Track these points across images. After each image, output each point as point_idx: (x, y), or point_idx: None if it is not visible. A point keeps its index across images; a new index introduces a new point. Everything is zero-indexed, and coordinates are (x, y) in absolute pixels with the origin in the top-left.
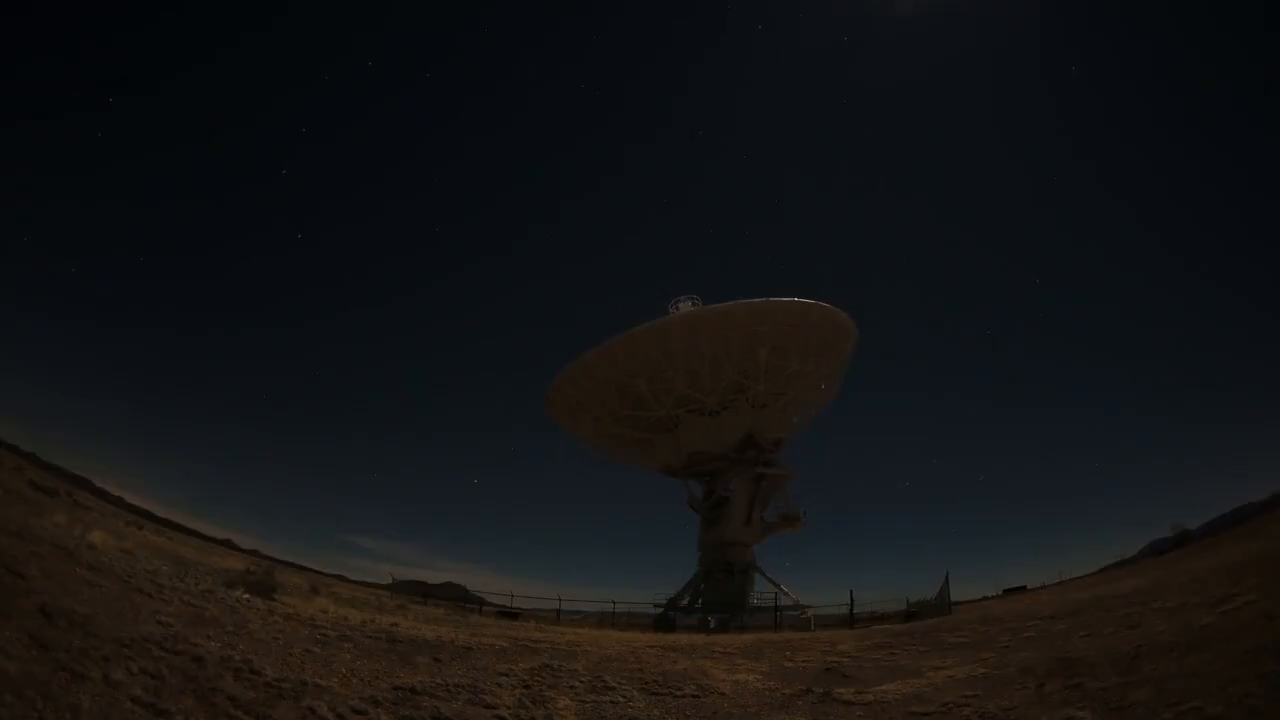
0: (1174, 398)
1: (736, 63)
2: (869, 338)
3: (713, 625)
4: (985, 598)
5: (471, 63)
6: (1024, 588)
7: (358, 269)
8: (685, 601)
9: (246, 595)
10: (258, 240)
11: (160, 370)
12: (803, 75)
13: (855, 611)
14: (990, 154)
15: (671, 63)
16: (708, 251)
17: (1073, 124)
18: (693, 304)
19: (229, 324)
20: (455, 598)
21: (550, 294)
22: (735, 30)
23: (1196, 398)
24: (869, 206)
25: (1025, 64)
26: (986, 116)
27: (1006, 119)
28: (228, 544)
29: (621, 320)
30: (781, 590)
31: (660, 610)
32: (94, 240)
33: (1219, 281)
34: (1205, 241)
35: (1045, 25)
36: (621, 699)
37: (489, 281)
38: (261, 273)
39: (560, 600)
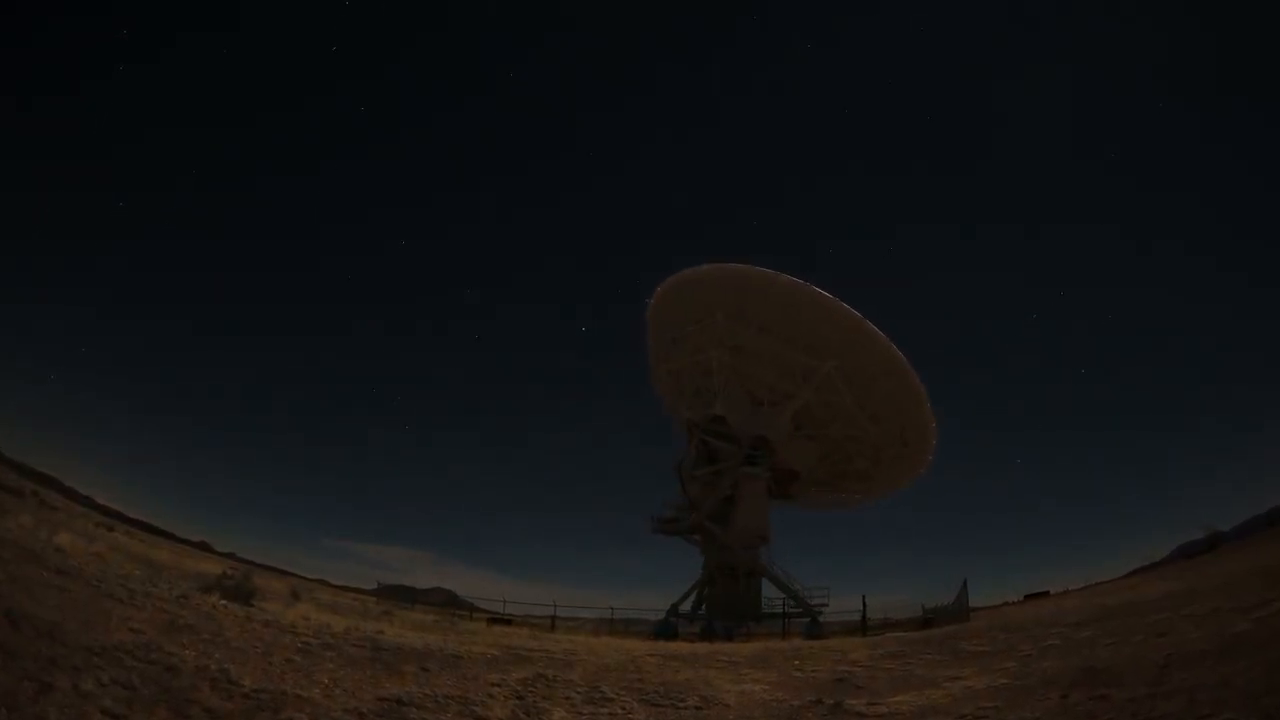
0: (1205, 394)
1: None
2: (885, 332)
3: (719, 632)
4: (1006, 604)
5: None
6: (1047, 593)
7: (341, 265)
8: (688, 607)
9: (223, 601)
10: (240, 237)
11: (135, 364)
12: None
13: (868, 618)
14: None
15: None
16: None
17: (1103, 117)
18: None
19: (210, 319)
20: (444, 603)
21: (544, 289)
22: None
23: (1228, 394)
24: (875, 201)
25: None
26: (998, 112)
27: (1021, 114)
28: (203, 547)
29: (617, 315)
30: (793, 595)
31: (662, 617)
32: (74, 230)
33: (1253, 277)
34: (1241, 236)
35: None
36: (620, 711)
37: (482, 276)
38: (245, 267)
39: (555, 606)
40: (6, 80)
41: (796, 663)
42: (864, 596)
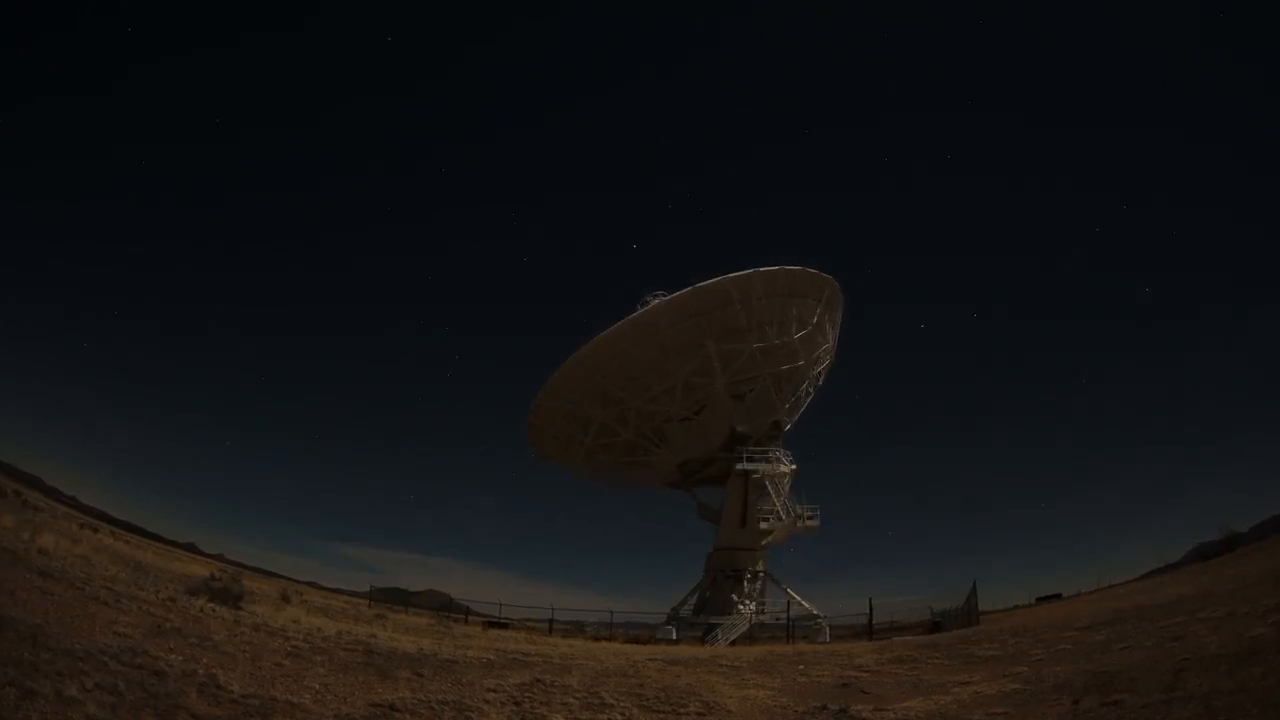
0: (1221, 393)
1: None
2: (893, 334)
3: (704, 639)
4: (1016, 607)
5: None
6: (1059, 596)
7: (333, 266)
8: (690, 611)
9: (211, 604)
10: (231, 235)
11: (121, 362)
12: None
13: (875, 622)
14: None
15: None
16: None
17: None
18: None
19: (201, 319)
20: (439, 606)
21: (540, 287)
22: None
23: (1244, 393)
24: (886, 198)
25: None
26: (1016, 100)
27: (1047, 102)
28: (190, 548)
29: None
30: (795, 599)
31: (663, 620)
32: (72, 230)
33: (1270, 276)
34: (1261, 234)
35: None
36: (620, 717)
37: (475, 273)
38: (236, 268)
39: (553, 609)
40: (8, 80)
41: (801, 668)
42: (870, 599)
